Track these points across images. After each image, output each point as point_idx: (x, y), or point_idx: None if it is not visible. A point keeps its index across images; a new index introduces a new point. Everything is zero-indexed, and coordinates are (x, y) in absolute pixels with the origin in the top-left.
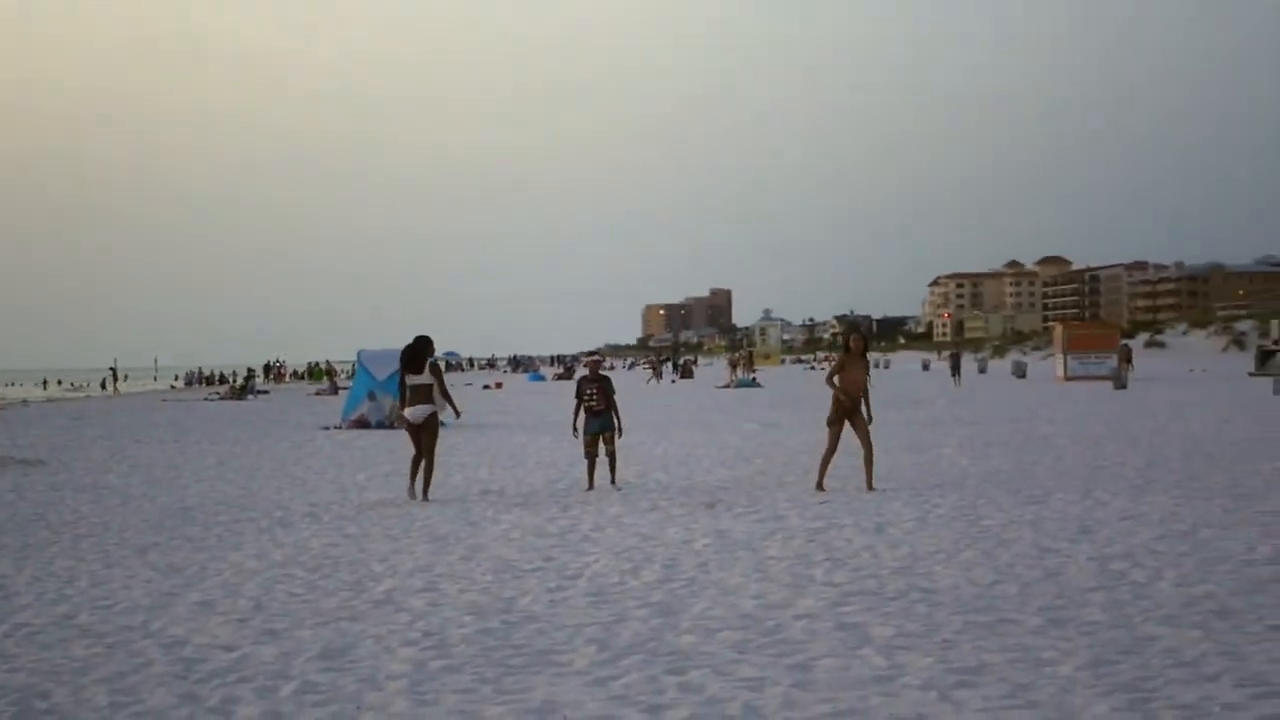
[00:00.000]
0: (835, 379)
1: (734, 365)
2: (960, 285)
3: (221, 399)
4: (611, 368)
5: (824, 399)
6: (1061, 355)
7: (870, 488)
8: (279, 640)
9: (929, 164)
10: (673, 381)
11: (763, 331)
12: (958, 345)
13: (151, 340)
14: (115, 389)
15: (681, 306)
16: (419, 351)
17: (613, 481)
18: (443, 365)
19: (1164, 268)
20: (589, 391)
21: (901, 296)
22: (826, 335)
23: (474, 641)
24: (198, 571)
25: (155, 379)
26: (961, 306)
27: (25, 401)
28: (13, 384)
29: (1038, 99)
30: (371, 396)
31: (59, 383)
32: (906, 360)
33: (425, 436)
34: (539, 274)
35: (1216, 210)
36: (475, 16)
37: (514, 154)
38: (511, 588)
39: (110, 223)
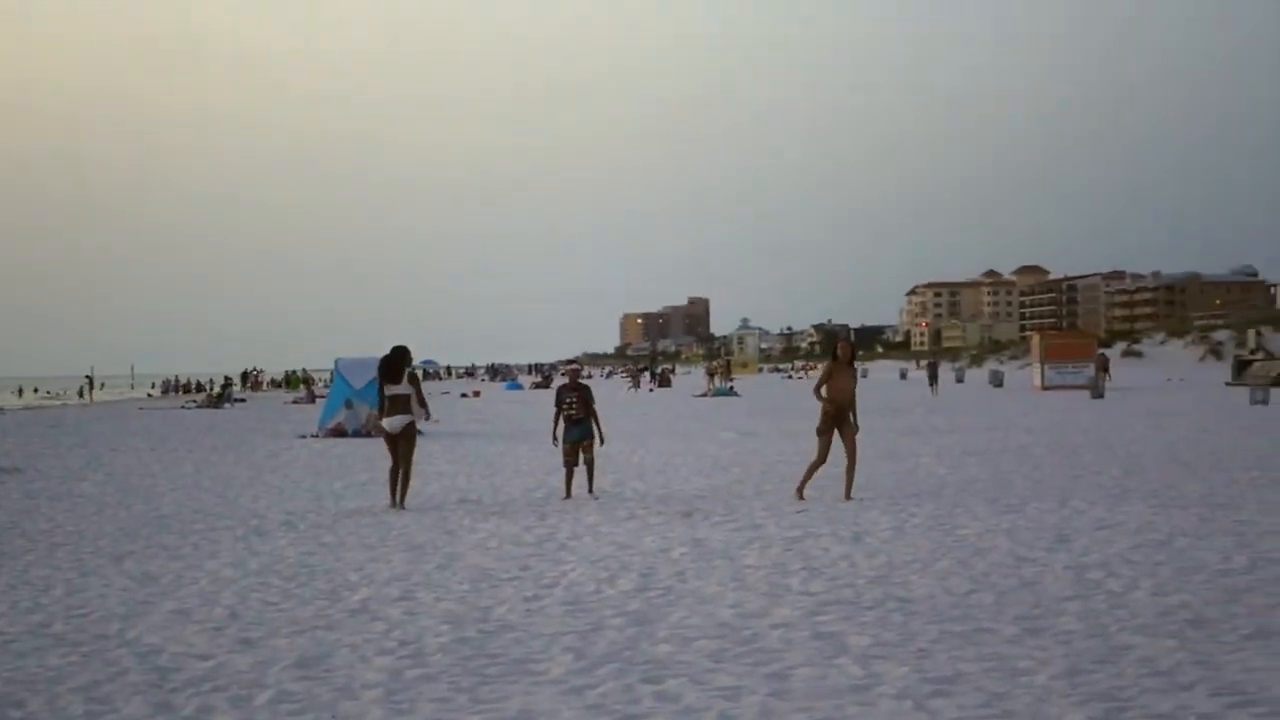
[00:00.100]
0: (823, 389)
1: (712, 374)
2: (938, 294)
3: (198, 407)
4: (589, 376)
5: (801, 408)
6: (1039, 364)
7: (848, 497)
8: (254, 649)
9: (926, 167)
10: (650, 390)
11: (740, 340)
12: (935, 354)
13: (160, 341)
14: (91, 397)
15: (659, 315)
16: (397, 362)
17: (590, 490)
18: (420, 374)
19: (1141, 277)
20: (569, 400)
21: (879, 305)
22: (804, 344)
23: (450, 650)
24: (173, 580)
25: (132, 387)
26: (939, 315)
27: (1, 409)
28: None
29: (1025, 105)
30: (348, 405)
31: (35, 390)
32: (884, 369)
33: (404, 446)
34: (531, 278)
35: (1194, 220)
36: (476, 16)
37: (512, 155)
38: (488, 597)
39: (110, 224)
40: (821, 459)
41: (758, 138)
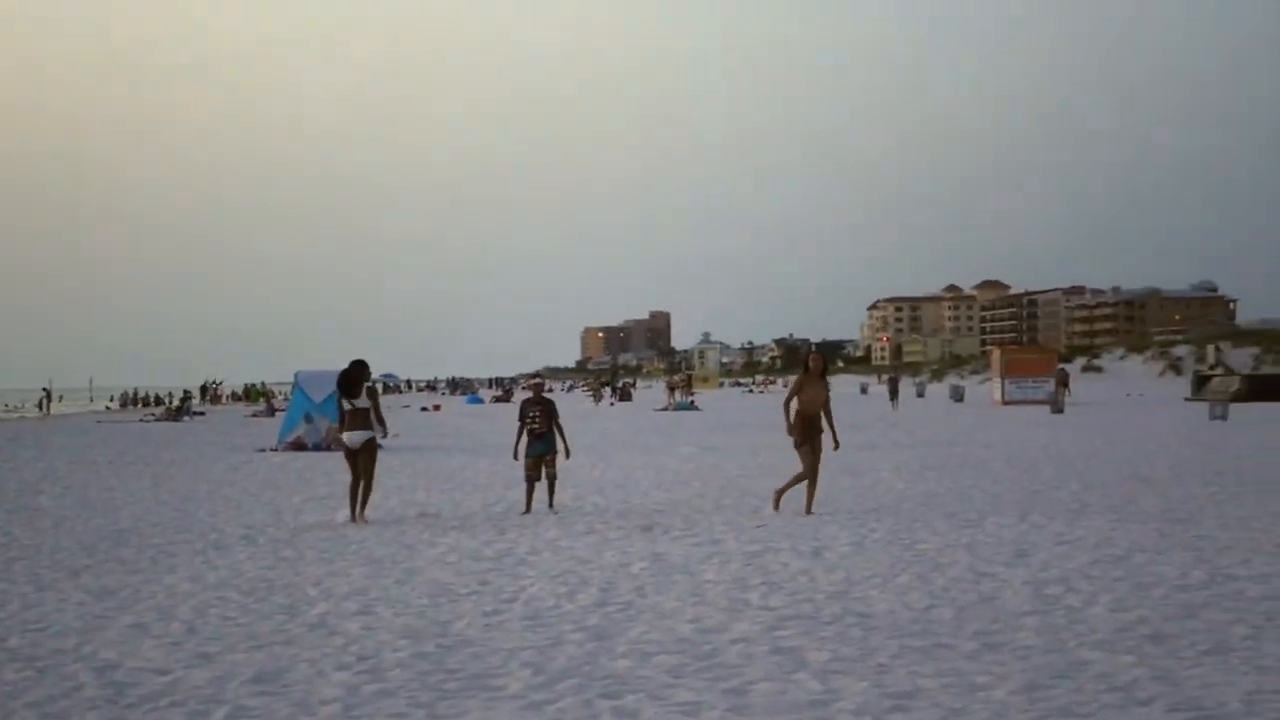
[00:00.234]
0: (793, 401)
1: (672, 388)
2: (899, 309)
3: (157, 420)
4: (550, 390)
5: (761, 422)
6: (999, 379)
7: (809, 512)
8: (212, 664)
9: (889, 183)
10: (611, 404)
11: (702, 354)
12: (896, 369)
13: (119, 355)
14: (48, 410)
15: (620, 329)
16: (355, 376)
17: (550, 504)
18: (380, 388)
19: (1101, 293)
20: (532, 414)
21: (840, 320)
22: (766, 359)
23: (408, 665)
24: (131, 594)
25: (91, 400)
26: (900, 330)
27: None
28: None
29: (985, 121)
30: (308, 419)
31: None
32: (845, 384)
33: (363, 461)
34: (491, 292)
35: (1154, 236)
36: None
37: (472, 168)
38: (447, 611)
39: (111, 224)
40: (809, 470)
41: (720, 152)
